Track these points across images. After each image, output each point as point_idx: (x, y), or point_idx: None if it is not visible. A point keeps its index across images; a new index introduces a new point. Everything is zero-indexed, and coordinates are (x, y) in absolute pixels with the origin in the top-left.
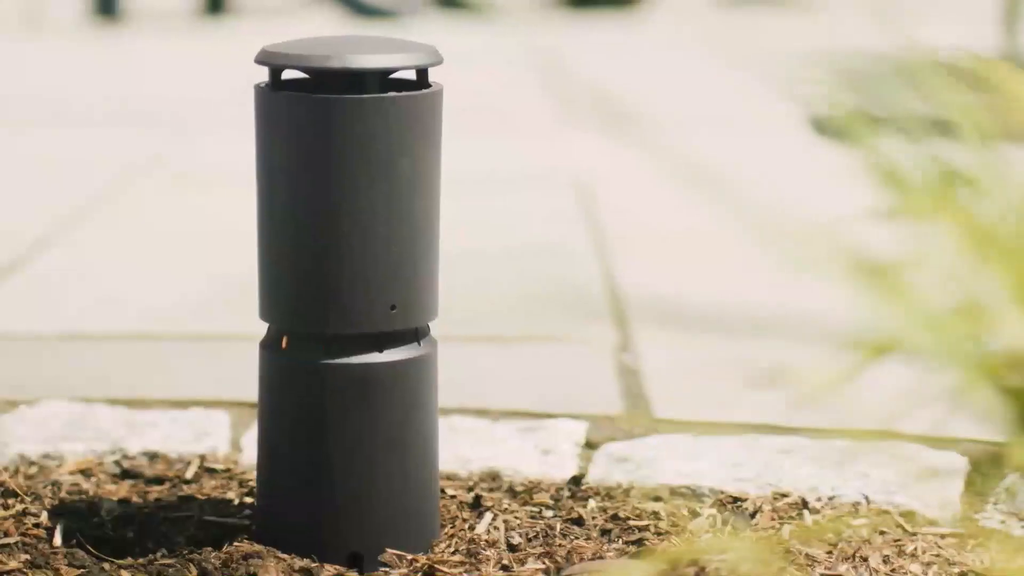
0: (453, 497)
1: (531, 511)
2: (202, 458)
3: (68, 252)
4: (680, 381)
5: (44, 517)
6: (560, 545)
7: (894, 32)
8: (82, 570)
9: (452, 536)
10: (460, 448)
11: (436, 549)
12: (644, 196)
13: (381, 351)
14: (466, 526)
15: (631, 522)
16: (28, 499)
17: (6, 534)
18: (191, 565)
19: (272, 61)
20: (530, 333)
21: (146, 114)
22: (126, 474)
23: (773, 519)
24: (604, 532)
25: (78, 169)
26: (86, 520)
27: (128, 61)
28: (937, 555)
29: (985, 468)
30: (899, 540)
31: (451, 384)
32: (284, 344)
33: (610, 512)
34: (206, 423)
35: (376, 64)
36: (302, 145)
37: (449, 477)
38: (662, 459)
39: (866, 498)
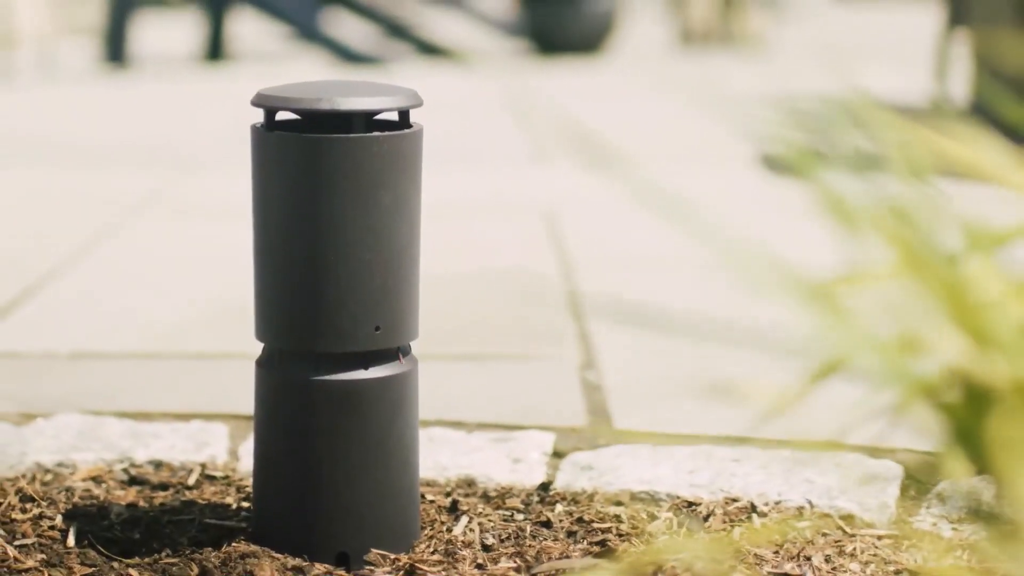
0: (432, 502)
1: (503, 515)
2: (203, 466)
3: (78, 278)
4: (640, 396)
5: (59, 520)
6: (530, 546)
7: (839, 77)
8: (93, 569)
9: (431, 537)
10: (438, 457)
11: (417, 549)
12: (608, 223)
13: (366, 368)
14: (444, 528)
15: (595, 525)
16: (44, 504)
17: (24, 535)
18: (193, 564)
19: (267, 103)
20: (502, 351)
21: (150, 152)
22: (133, 481)
23: (725, 522)
24: (570, 534)
25: (87, 203)
26: (97, 523)
27: (134, 104)
28: (874, 555)
29: (919, 475)
30: (840, 541)
31: (430, 398)
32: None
33: (576, 516)
34: (206, 434)
35: (362, 106)
36: (294, 180)
37: (428, 483)
38: (623, 467)
39: (810, 503)
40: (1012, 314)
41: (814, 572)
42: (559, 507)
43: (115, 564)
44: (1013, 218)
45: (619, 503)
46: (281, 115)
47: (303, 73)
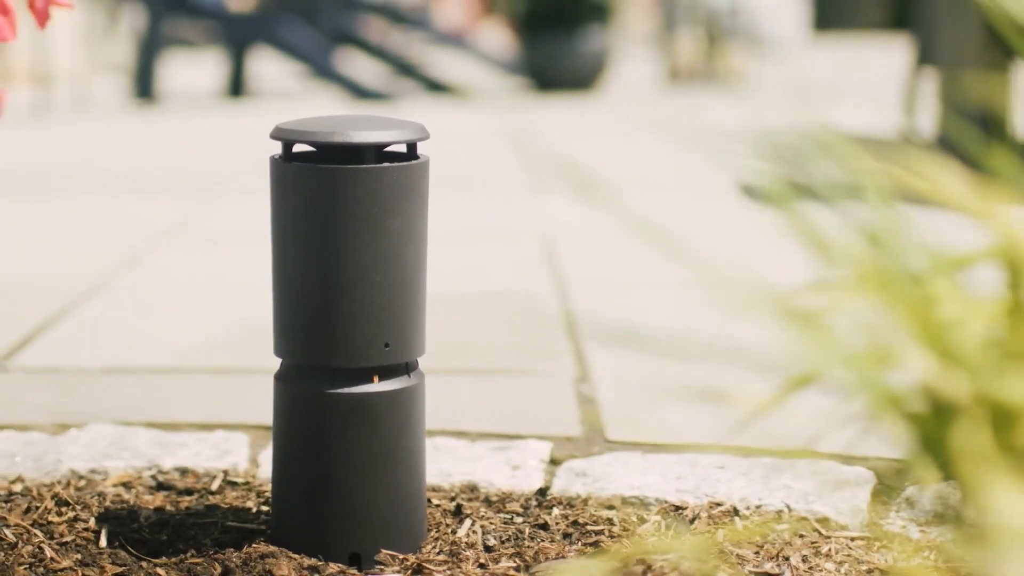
0: (438, 506)
1: (504, 518)
2: (225, 473)
3: (111, 299)
4: (631, 408)
5: (92, 523)
6: (529, 546)
7: (814, 113)
8: (124, 568)
9: (437, 539)
10: (443, 464)
11: (424, 550)
12: (600, 249)
13: (377, 382)
14: (449, 530)
15: (589, 527)
16: (78, 507)
17: (61, 536)
18: (216, 563)
19: (284, 136)
20: (502, 367)
21: (177, 182)
22: (161, 486)
23: (709, 524)
24: (566, 535)
25: (118, 229)
26: (127, 525)
27: (162, 137)
28: (848, 555)
29: (889, 481)
30: (816, 542)
31: (436, 410)
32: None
33: (571, 519)
34: (228, 443)
35: (372, 139)
36: (310, 208)
37: (434, 489)
38: (615, 474)
39: (788, 506)
40: (973, 332)
41: (792, 571)
42: (555, 511)
43: (144, 564)
44: (974, 243)
45: (611, 507)
46: (298, 147)
47: (318, 108)
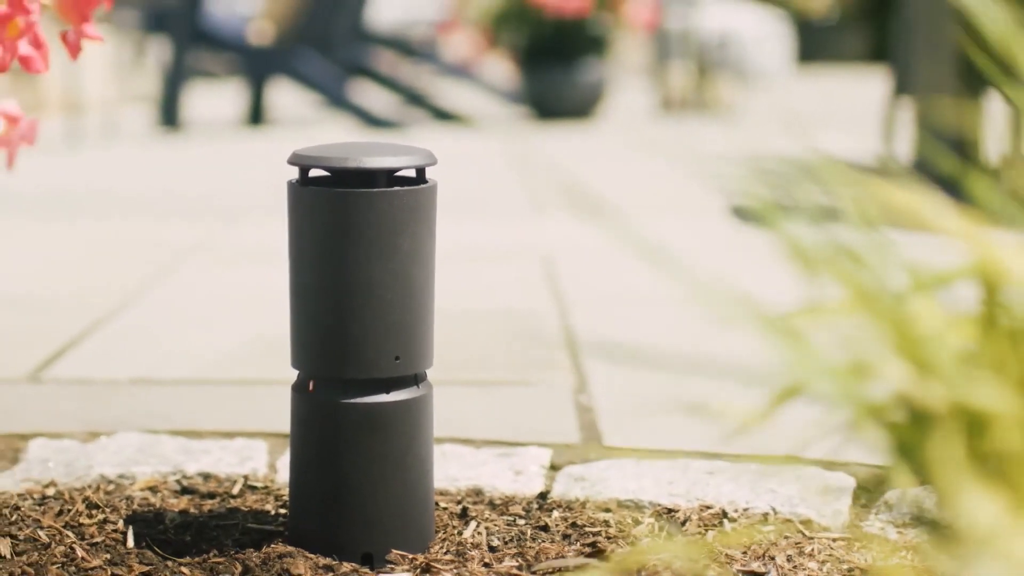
0: (445, 509)
1: (507, 520)
2: (245, 478)
3: (138, 315)
4: (626, 417)
5: (120, 524)
6: (530, 547)
7: (798, 139)
8: (150, 567)
9: (444, 540)
10: (450, 470)
11: (432, 550)
12: (599, 267)
13: (388, 392)
14: (455, 532)
15: (587, 529)
16: (107, 510)
17: (91, 537)
18: (237, 563)
19: (301, 162)
20: (505, 378)
21: (200, 204)
22: (185, 491)
23: (700, 526)
24: (565, 536)
25: (145, 249)
26: (153, 527)
27: (186, 162)
28: (830, 555)
29: (869, 486)
30: (800, 543)
31: (443, 419)
32: (311, 387)
33: (570, 521)
34: (249, 450)
35: (383, 165)
36: (325, 229)
37: (441, 493)
38: (611, 479)
39: (774, 509)
40: (948, 346)
41: (777, 570)
42: (555, 513)
43: (169, 563)
44: (950, 261)
45: (608, 510)
46: (314, 172)
47: (333, 136)
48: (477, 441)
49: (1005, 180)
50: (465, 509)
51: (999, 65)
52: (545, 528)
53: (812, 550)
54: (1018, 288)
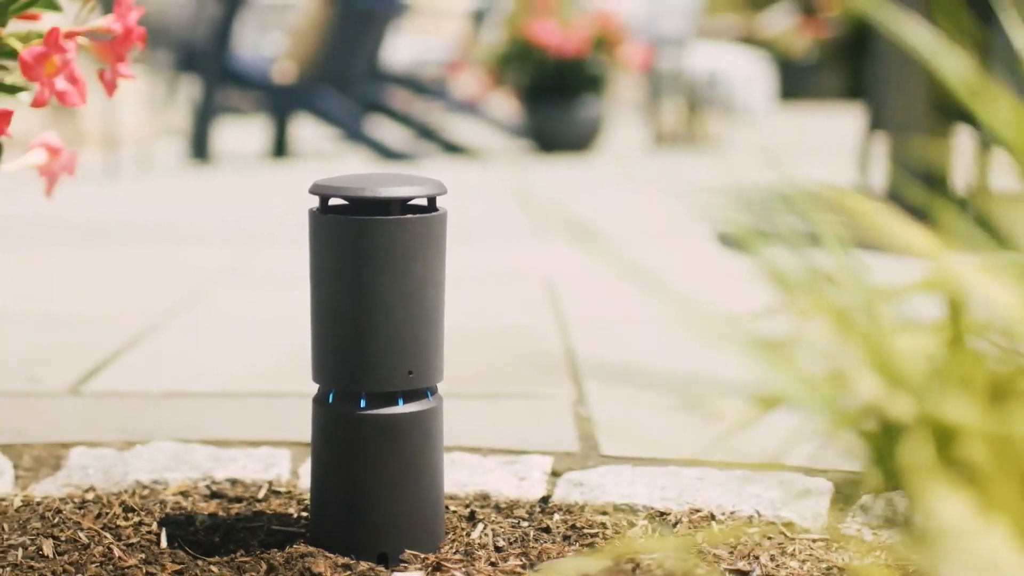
0: (454, 512)
1: (512, 522)
2: (270, 483)
3: (170, 334)
4: (621, 427)
5: (154, 526)
6: (533, 547)
7: (779, 171)
8: (182, 566)
9: (454, 540)
10: (459, 476)
11: (442, 550)
12: (595, 289)
13: (401, 404)
14: (464, 533)
15: (585, 530)
16: (142, 513)
17: (127, 538)
18: (262, 562)
19: (321, 191)
20: (509, 391)
21: (227, 231)
22: (214, 495)
23: (689, 528)
24: (566, 537)
25: (177, 273)
26: (185, 529)
27: (215, 192)
28: (810, 555)
29: (846, 490)
30: (782, 543)
31: (452, 428)
32: (330, 400)
33: (570, 523)
34: (273, 457)
35: (397, 194)
36: (343, 254)
37: (451, 497)
38: (608, 484)
39: (758, 512)
40: (917, 360)
41: (761, 568)
42: (556, 516)
43: (199, 562)
44: (918, 281)
45: (605, 513)
46: (333, 201)
47: (350, 167)
48: (484, 449)
49: (970, 209)
50: (473, 512)
51: (963, 105)
52: (547, 530)
53: (794, 550)
54: (981, 305)
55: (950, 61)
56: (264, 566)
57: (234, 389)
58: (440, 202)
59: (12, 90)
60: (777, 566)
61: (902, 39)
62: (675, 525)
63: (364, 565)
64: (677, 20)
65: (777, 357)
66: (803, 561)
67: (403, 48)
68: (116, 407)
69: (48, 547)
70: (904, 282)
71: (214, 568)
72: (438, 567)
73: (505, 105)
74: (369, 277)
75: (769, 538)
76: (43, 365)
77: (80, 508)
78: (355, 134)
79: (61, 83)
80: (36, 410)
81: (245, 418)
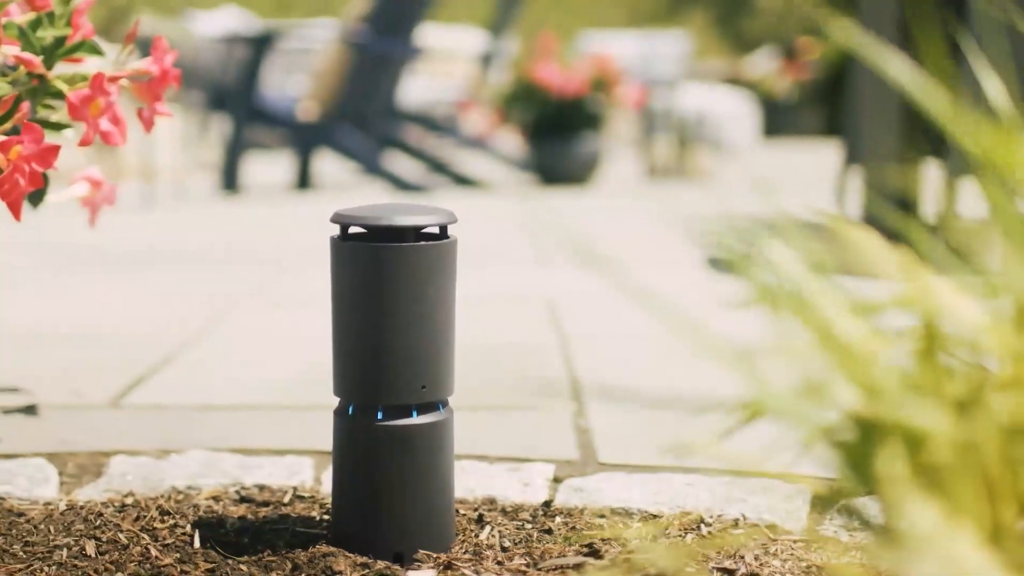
0: (464, 515)
1: (517, 524)
2: (294, 489)
3: (202, 350)
4: (618, 437)
5: (188, 528)
6: (536, 547)
7: (764, 200)
8: (213, 564)
9: (463, 541)
10: (468, 482)
11: (453, 550)
12: (595, 309)
13: (415, 416)
14: (473, 534)
15: (585, 532)
16: (177, 516)
17: (163, 539)
18: (287, 561)
19: (342, 220)
20: (515, 404)
21: (255, 256)
22: (243, 499)
23: (680, 530)
24: (566, 539)
25: (208, 294)
26: (216, 530)
27: (243, 221)
28: (791, 554)
29: (824, 495)
30: (765, 544)
31: (462, 438)
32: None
33: (570, 525)
34: (297, 465)
35: (412, 223)
36: (362, 277)
37: (461, 501)
38: (605, 489)
39: (743, 515)
40: (891, 373)
41: (746, 567)
42: (558, 519)
43: (230, 561)
44: (892, 300)
45: (602, 516)
46: (352, 229)
47: (368, 198)
48: (491, 457)
49: (940, 234)
50: (481, 515)
51: (935, 137)
52: (549, 531)
53: (776, 550)
54: (951, 322)
55: (926, 91)
56: (289, 565)
57: (261, 402)
58: (451, 230)
59: (58, 127)
60: (761, 565)
61: (881, 70)
62: (667, 528)
63: (381, 564)
64: (668, 63)
65: (761, 371)
66: (784, 560)
67: (417, 89)
68: (153, 419)
69: (91, 547)
70: (879, 301)
71: (243, 567)
72: (449, 566)
73: (511, 141)
74: (386, 299)
75: (754, 539)
76: (86, 380)
77: (120, 511)
78: (373, 168)
79: (105, 123)
80: (79, 421)
81: (271, 429)
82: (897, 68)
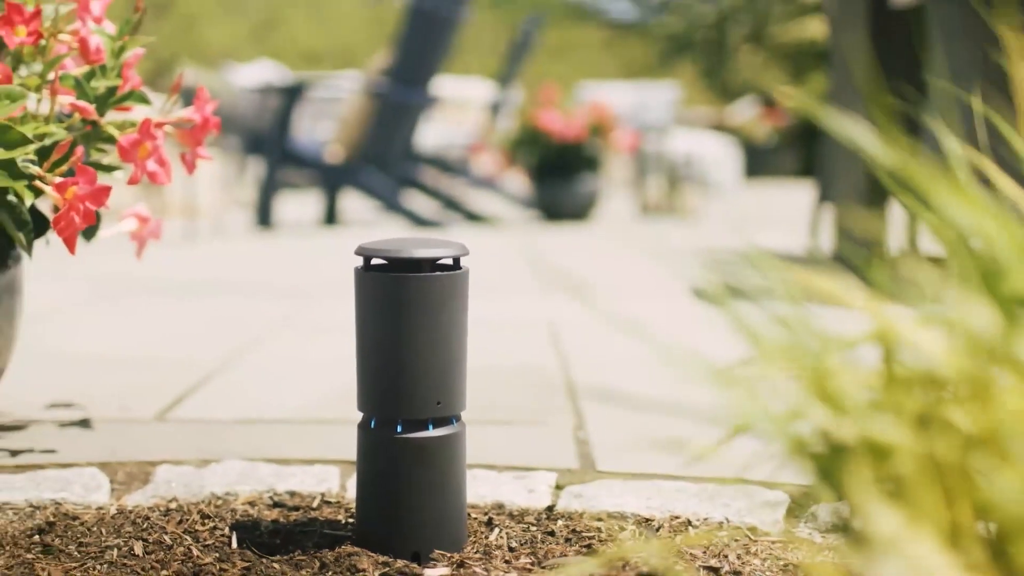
0: (475, 518)
1: (523, 527)
2: (322, 495)
3: (238, 373)
4: (614, 449)
5: (226, 530)
6: (540, 548)
7: (744, 237)
8: (249, 563)
9: (475, 542)
10: (479, 489)
11: (465, 550)
12: (592, 334)
13: (431, 429)
14: (483, 536)
15: (584, 534)
16: (216, 519)
17: (204, 540)
18: (315, 560)
19: (365, 253)
20: (521, 418)
21: (286, 287)
22: (276, 505)
23: (670, 532)
24: (567, 540)
25: (243, 322)
26: (251, 532)
27: (276, 254)
28: (770, 554)
29: (800, 501)
30: (747, 544)
31: (473, 449)
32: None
33: (571, 528)
34: (325, 474)
35: (428, 255)
36: (383, 304)
37: (472, 506)
38: (602, 496)
39: (727, 519)
40: (857, 394)
41: (730, 565)
42: (560, 522)
43: (264, 560)
44: (859, 330)
45: (600, 519)
46: (374, 261)
47: (389, 233)
48: (499, 466)
49: (902, 269)
50: (490, 519)
51: (897, 183)
52: (552, 533)
53: (756, 550)
54: (909, 349)
55: (880, 150)
56: (317, 563)
57: (292, 417)
58: (463, 262)
59: (109, 169)
60: (743, 563)
61: (840, 133)
62: (658, 530)
63: (400, 562)
64: (659, 111)
65: (743, 392)
66: (764, 559)
67: (432, 134)
68: (195, 432)
69: (138, 547)
70: (847, 330)
71: (276, 565)
72: (462, 564)
73: (517, 181)
74: (404, 324)
75: (736, 540)
76: (133, 398)
77: (165, 515)
78: (393, 205)
79: (152, 165)
80: (128, 434)
81: (302, 441)
82: (851, 128)
